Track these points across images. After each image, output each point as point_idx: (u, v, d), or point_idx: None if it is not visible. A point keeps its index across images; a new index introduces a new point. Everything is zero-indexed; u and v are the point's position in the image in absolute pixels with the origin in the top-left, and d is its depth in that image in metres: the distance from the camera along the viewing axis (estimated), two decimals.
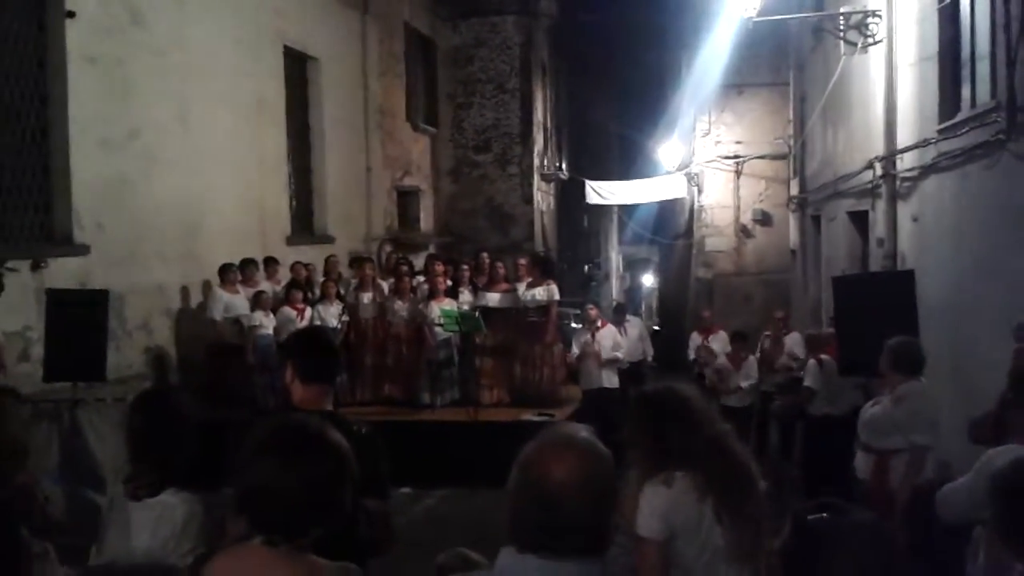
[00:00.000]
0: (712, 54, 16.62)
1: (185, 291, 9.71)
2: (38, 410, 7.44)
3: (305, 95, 13.01)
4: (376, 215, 14.80)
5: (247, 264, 9.99)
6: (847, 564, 3.34)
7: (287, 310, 9.93)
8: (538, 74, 19.46)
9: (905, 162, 8.68)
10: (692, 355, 10.98)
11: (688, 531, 2.75)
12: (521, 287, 10.45)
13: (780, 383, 9.93)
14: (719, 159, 18.19)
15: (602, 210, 26.21)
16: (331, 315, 10.16)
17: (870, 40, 9.50)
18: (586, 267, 26.70)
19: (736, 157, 18.03)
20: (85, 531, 3.22)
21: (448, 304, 10.31)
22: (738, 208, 18.08)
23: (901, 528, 4.74)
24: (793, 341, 10.12)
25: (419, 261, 13.15)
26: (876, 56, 9.39)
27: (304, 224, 12.85)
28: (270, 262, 10.65)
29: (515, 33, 18.29)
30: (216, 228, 10.19)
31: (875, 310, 6.44)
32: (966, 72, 7.20)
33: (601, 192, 20.68)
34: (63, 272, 7.87)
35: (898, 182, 8.91)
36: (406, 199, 16.41)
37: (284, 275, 10.82)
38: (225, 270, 9.60)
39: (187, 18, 9.81)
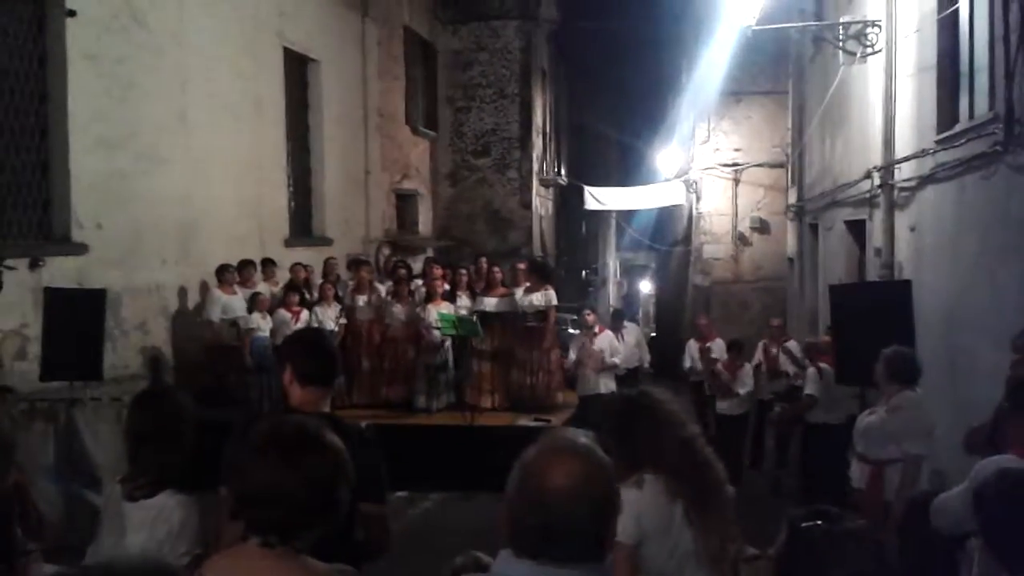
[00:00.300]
0: (712, 62, 16.66)
1: (183, 291, 9.70)
2: (34, 409, 7.44)
3: (304, 97, 13.02)
4: (374, 218, 14.81)
5: (245, 265, 9.99)
6: (840, 573, 3.34)
7: (283, 312, 9.92)
8: (538, 79, 19.49)
9: (903, 172, 8.69)
10: (688, 363, 10.99)
11: (659, 533, 2.76)
12: (519, 292, 10.46)
13: (778, 391, 9.95)
14: (718, 166, 18.21)
15: (600, 216, 26.24)
16: (329, 317, 10.15)
17: (869, 50, 9.52)
18: (584, 273, 26.73)
19: (735, 165, 18.05)
20: (81, 531, 3.22)
21: (445, 308, 10.31)
22: (736, 216, 18.11)
23: (895, 538, 4.74)
24: (790, 350, 10.14)
25: (417, 264, 13.17)
26: (875, 66, 9.41)
27: (302, 226, 12.85)
28: (268, 263, 10.65)
29: (516, 38, 18.30)
30: (214, 229, 10.19)
31: (872, 319, 6.45)
32: (964, 83, 7.21)
33: (600, 198, 20.71)
34: (61, 271, 7.86)
35: (896, 192, 8.92)
36: (405, 202, 16.41)
37: (282, 277, 10.82)
38: (223, 271, 9.59)
39: (187, 18, 9.81)
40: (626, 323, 12.23)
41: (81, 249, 8.16)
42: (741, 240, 18.11)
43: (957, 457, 4.72)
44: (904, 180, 8.64)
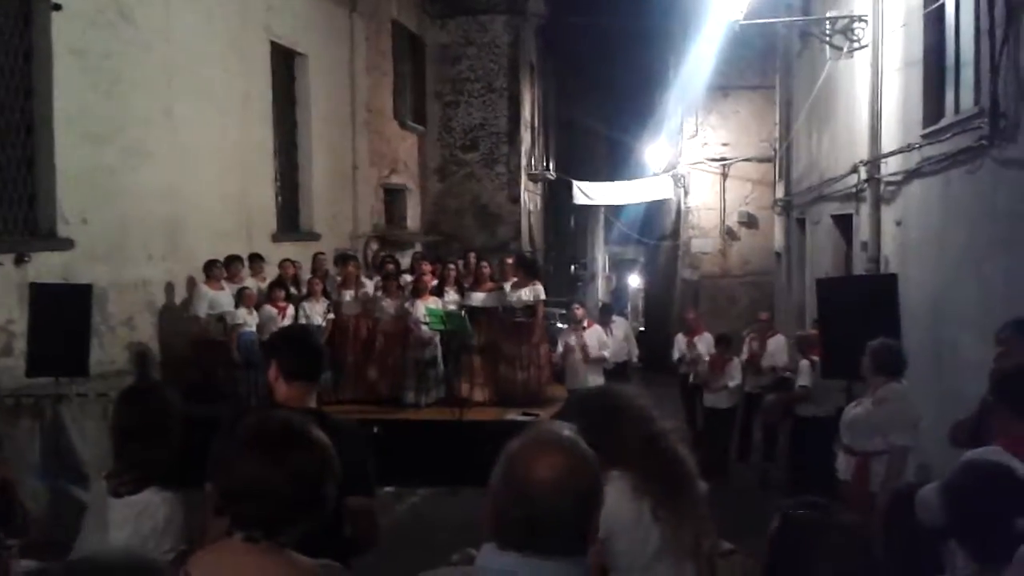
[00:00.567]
0: (700, 57, 16.68)
1: (169, 287, 9.66)
2: (20, 405, 7.40)
3: (292, 91, 12.97)
4: (362, 213, 14.77)
5: (232, 260, 9.95)
6: (826, 566, 3.35)
7: (269, 308, 9.90)
8: (526, 74, 19.47)
9: (889, 166, 8.73)
10: (676, 356, 11.02)
11: (625, 530, 2.76)
12: (507, 287, 10.46)
13: (766, 384, 9.99)
14: (706, 161, 18.26)
15: (589, 210, 26.28)
16: (317, 313, 10.13)
17: (856, 45, 9.55)
18: (572, 267, 26.75)
19: (722, 159, 18.11)
20: (67, 527, 3.21)
21: (433, 303, 10.31)
22: (724, 210, 18.16)
23: (880, 530, 4.77)
24: (777, 343, 10.18)
25: (405, 259, 13.13)
26: (861, 61, 9.45)
27: (290, 221, 12.81)
28: (255, 259, 10.61)
29: (504, 33, 18.27)
30: (201, 224, 10.15)
31: (858, 313, 6.49)
32: (950, 78, 7.25)
33: (588, 192, 20.73)
34: (47, 266, 7.82)
35: (882, 186, 8.97)
36: (393, 197, 16.38)
37: (270, 272, 10.78)
38: (210, 266, 9.56)
39: (174, 12, 9.76)
40: (615, 317, 12.23)
41: (67, 244, 8.12)
42: (729, 234, 18.16)
43: (943, 450, 4.75)
44: (890, 174, 8.68)
